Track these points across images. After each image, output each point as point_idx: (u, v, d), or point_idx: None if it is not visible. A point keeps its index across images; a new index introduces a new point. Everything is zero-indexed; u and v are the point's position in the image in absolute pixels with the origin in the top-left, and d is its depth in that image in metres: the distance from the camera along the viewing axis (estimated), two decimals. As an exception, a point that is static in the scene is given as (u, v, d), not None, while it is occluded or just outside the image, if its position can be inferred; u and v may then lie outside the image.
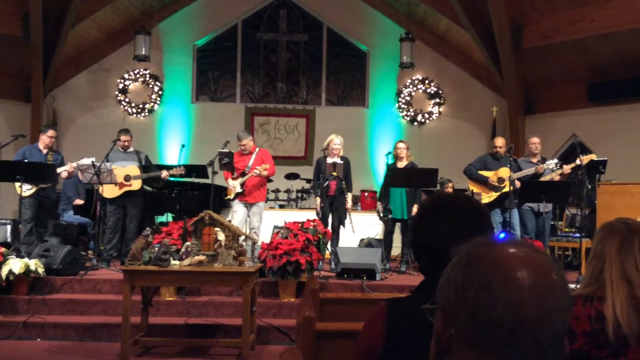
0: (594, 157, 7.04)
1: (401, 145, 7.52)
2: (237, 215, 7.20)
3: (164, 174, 7.26)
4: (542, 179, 7.13)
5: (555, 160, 7.33)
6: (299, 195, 10.10)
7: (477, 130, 11.40)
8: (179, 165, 7.58)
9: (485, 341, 0.88)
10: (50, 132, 7.41)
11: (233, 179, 7.25)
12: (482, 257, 0.92)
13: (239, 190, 7.16)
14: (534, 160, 7.39)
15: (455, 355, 0.93)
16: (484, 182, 7.24)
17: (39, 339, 5.43)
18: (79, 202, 8.44)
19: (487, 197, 7.14)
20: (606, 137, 9.34)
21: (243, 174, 7.18)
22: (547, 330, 0.88)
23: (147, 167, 7.42)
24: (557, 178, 7.04)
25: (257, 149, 7.46)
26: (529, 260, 0.91)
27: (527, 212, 7.30)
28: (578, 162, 6.89)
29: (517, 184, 7.09)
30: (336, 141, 7.30)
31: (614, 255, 1.71)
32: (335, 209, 7.21)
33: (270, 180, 10.03)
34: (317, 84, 11.77)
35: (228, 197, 7.34)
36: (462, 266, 0.93)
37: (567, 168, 7.09)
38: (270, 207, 9.79)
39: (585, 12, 8.84)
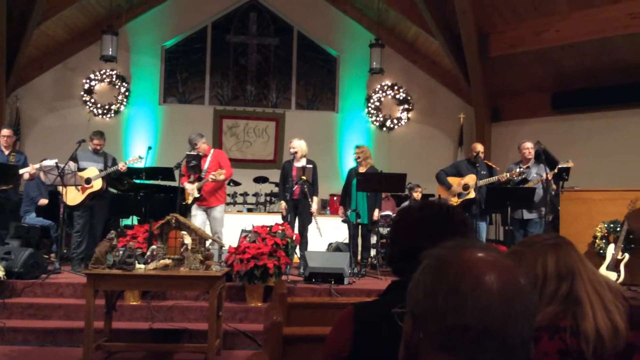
0: (571, 164, 7.03)
1: (357, 150, 7.72)
2: (196, 220, 7.06)
3: (121, 166, 7.13)
4: (529, 185, 7.04)
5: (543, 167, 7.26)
6: (268, 198, 10.06)
7: (445, 136, 11.56)
8: (138, 156, 7.53)
9: (453, 345, 0.89)
10: (4, 131, 7.14)
11: (190, 182, 7.14)
12: (451, 261, 0.93)
13: (196, 195, 7.07)
14: (525, 166, 7.26)
15: (424, 359, 0.93)
16: (448, 189, 7.33)
17: (-3, 345, 5.28)
18: (43, 202, 8.24)
19: (452, 202, 7.21)
20: (569, 145, 9.54)
21: (199, 179, 7.08)
22: (514, 334, 0.89)
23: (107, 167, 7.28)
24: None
25: (212, 151, 7.36)
26: (497, 265, 0.92)
27: (512, 220, 7.12)
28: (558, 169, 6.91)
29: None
30: (293, 144, 7.38)
31: (583, 267, 1.61)
32: (299, 213, 7.21)
33: (238, 184, 9.98)
34: (287, 87, 11.76)
35: (186, 202, 7.22)
36: (432, 270, 0.94)
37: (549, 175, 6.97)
38: (239, 211, 9.73)
39: (550, 22, 9.04)
